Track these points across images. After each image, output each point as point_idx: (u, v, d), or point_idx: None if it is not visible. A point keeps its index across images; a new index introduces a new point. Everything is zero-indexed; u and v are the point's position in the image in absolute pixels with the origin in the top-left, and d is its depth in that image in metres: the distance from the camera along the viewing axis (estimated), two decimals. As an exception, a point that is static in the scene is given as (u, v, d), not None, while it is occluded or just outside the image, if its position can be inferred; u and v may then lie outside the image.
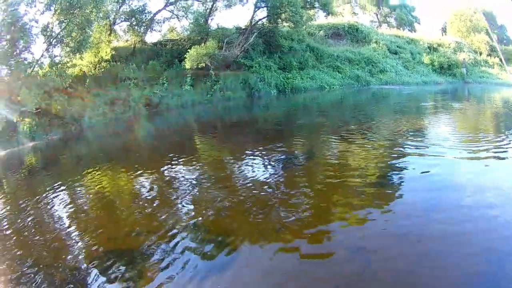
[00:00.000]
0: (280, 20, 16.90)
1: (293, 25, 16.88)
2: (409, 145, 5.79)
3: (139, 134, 13.16)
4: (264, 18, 17.10)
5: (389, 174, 4.51)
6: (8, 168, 11.00)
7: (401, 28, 24.34)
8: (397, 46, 21.37)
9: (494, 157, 4.84)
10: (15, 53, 14.64)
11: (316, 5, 18.38)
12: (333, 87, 16.74)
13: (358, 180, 4.31)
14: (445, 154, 5.02)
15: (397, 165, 4.82)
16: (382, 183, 4.19)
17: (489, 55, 25.01)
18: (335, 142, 6.64)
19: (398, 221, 3.24)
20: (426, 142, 5.99)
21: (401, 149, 5.61)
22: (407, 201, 3.63)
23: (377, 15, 20.71)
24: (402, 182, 4.22)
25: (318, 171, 4.95)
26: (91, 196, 6.04)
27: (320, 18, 18.27)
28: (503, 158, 4.81)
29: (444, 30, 27.59)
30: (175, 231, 3.81)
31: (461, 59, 23.04)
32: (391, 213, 3.40)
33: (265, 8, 17.13)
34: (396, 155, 5.28)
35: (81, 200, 5.98)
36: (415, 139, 6.30)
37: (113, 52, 16.49)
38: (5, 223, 5.17)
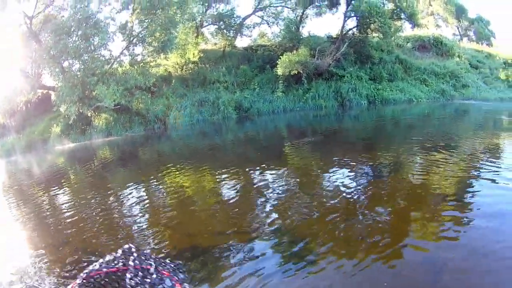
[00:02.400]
0: (369, 31, 16.66)
1: (382, 36, 16.63)
2: (487, 164, 5.48)
3: (227, 137, 13.15)
4: (354, 27, 16.92)
5: (469, 195, 4.36)
6: (77, 160, 11.03)
7: (479, 43, 23.63)
8: (477, 61, 20.60)
9: None
10: (89, 49, 14.87)
11: (403, 16, 18.03)
12: (420, 100, 16.27)
13: (436, 198, 4.29)
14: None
15: (475, 185, 4.69)
16: (459, 203, 4.13)
17: None
18: (419, 157, 6.60)
19: (470, 238, 3.28)
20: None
21: (480, 168, 5.39)
22: (479, 224, 3.53)
23: (458, 28, 20.11)
24: (479, 203, 4.04)
25: (399, 186, 5.04)
26: (170, 192, 5.99)
27: (407, 30, 17.90)
28: None
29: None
30: (255, 234, 3.82)
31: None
32: (464, 232, 3.40)
33: (354, 18, 16.94)
34: (475, 174, 5.17)
35: (159, 196, 5.96)
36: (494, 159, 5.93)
37: (201, 55, 16.67)
38: (71, 215, 5.13)
